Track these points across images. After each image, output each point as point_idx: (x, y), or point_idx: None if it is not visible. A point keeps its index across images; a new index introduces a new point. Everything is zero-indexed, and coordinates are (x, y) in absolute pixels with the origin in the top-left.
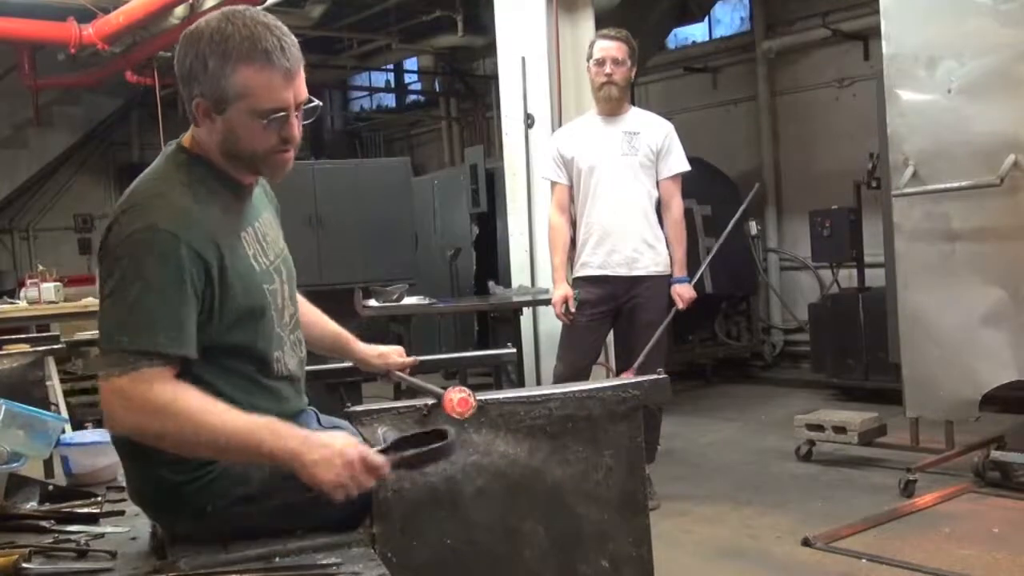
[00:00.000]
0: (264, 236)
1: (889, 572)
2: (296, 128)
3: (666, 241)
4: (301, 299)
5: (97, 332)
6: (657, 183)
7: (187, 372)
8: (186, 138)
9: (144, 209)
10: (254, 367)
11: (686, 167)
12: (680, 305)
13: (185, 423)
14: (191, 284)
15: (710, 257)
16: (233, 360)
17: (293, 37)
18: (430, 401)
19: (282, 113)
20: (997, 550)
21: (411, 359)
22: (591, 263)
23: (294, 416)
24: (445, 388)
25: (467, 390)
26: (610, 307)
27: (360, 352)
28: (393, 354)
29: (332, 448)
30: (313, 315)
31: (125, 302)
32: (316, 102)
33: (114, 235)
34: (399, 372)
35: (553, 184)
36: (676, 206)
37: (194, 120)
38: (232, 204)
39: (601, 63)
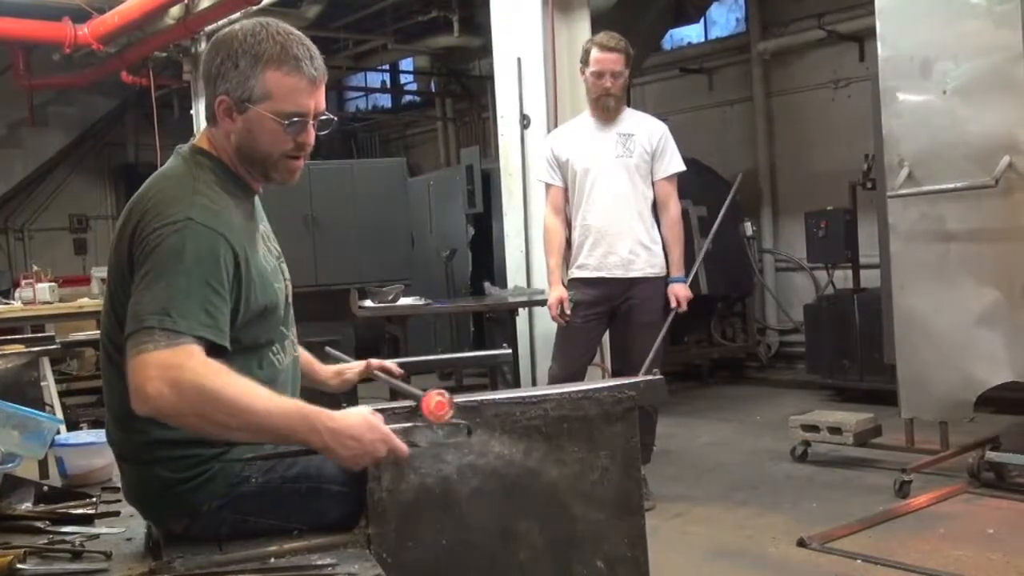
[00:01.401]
0: (269, 237)
1: (884, 573)
2: (311, 136)
3: (663, 242)
4: None
5: (129, 319)
6: (653, 184)
7: None
8: (200, 140)
9: (177, 204)
10: (255, 361)
11: (681, 167)
12: (675, 304)
13: (227, 402)
14: (226, 277)
15: (701, 256)
16: (237, 353)
17: (319, 52)
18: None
19: (302, 119)
20: (992, 551)
21: (388, 363)
22: (588, 265)
23: None
24: (425, 390)
25: (445, 393)
26: (606, 308)
27: (320, 374)
28: (352, 370)
29: (362, 443)
30: None
31: (165, 287)
32: (331, 116)
33: (147, 228)
34: (379, 372)
35: (548, 186)
36: (673, 206)
37: (212, 120)
38: (245, 204)
39: (599, 76)
